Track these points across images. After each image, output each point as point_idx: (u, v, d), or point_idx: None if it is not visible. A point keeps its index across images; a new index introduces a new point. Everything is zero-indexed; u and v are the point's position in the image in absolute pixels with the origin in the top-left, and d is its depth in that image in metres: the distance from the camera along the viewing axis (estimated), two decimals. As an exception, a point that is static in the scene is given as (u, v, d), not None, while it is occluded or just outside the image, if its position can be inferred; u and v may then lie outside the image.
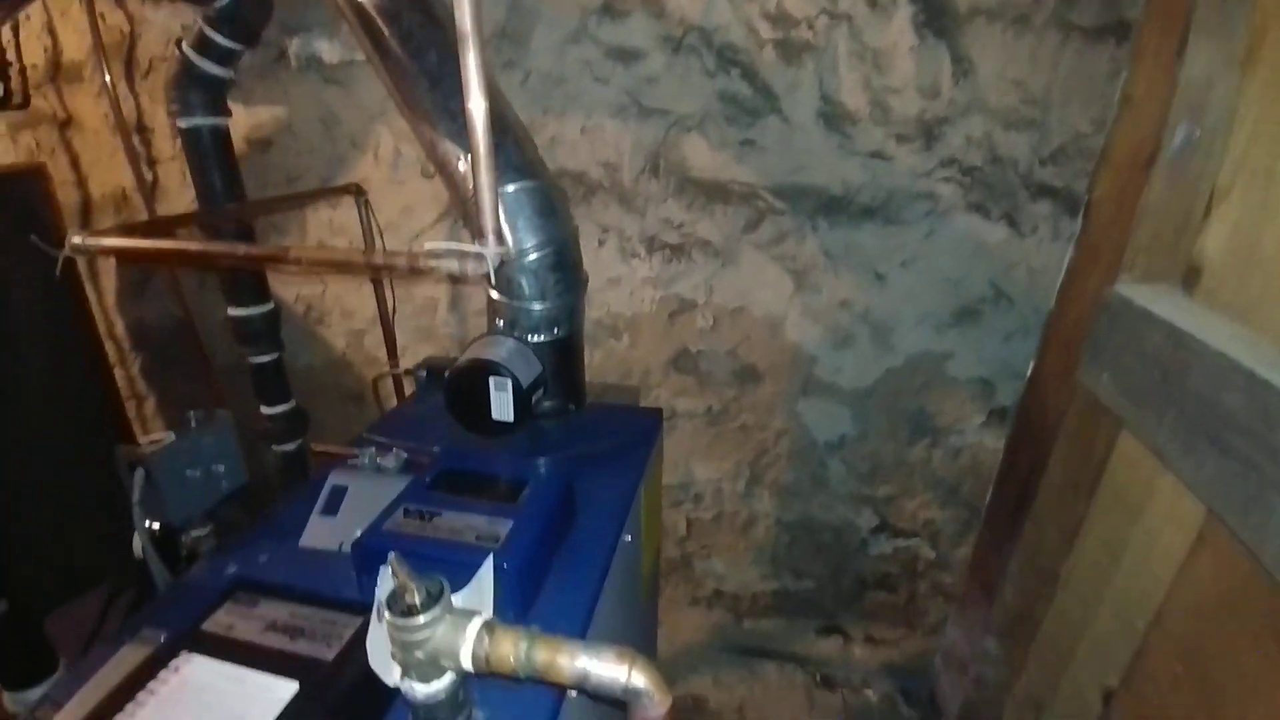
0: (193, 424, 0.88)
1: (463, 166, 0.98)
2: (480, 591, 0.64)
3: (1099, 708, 0.62)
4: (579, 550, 0.82)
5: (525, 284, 1.03)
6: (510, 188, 0.98)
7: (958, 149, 1.61)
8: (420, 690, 0.50)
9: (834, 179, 1.69)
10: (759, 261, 1.81)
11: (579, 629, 0.71)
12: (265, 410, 1.42)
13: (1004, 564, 0.75)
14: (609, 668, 0.46)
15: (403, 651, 0.47)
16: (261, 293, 1.30)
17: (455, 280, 1.96)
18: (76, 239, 0.86)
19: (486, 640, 0.47)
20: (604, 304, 1.95)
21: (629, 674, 0.46)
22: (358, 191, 1.60)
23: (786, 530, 2.19)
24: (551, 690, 0.62)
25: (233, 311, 1.29)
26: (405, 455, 1.00)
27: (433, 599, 0.47)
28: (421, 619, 0.46)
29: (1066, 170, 1.60)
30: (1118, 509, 0.61)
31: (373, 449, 1.00)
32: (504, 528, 0.73)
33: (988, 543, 0.77)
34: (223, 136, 1.40)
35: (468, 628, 0.48)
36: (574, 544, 0.83)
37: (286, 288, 2.16)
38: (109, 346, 2.56)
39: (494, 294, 1.08)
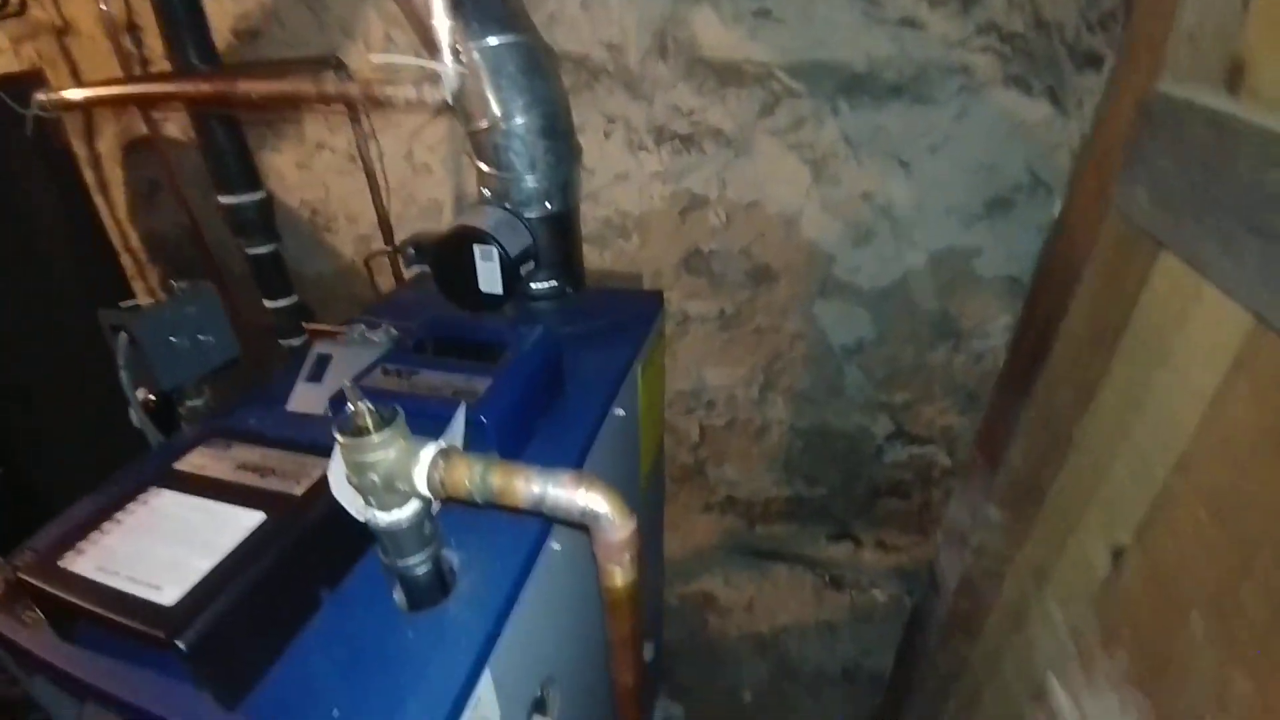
0: (176, 293, 0.87)
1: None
2: (452, 441, 0.62)
3: (1107, 569, 0.59)
4: (566, 418, 0.80)
5: (513, 153, 0.97)
6: (491, 41, 0.91)
7: (998, 12, 1.45)
8: (382, 519, 0.49)
9: (857, 53, 1.55)
10: (774, 151, 1.70)
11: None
12: (268, 304, 1.42)
13: (1011, 429, 0.70)
14: (565, 490, 0.44)
15: (357, 475, 0.46)
16: (251, 179, 1.27)
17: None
18: (41, 95, 0.83)
19: (442, 464, 0.46)
20: (611, 202, 1.87)
21: (585, 495, 0.44)
22: (337, 64, 1.53)
23: (800, 437, 2.18)
24: (530, 537, 0.61)
25: (223, 200, 1.26)
26: (395, 331, 0.97)
27: (385, 421, 0.45)
28: (374, 438, 0.44)
29: (1117, 35, 1.43)
30: (1144, 352, 0.55)
31: (362, 325, 0.98)
32: (483, 384, 0.70)
33: (996, 409, 0.72)
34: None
35: (422, 451, 0.46)
36: (561, 412, 0.81)
37: (289, 193, 2.12)
38: (126, 260, 2.58)
39: (481, 165, 1.02)
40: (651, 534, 1.35)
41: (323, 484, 0.54)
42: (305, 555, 0.52)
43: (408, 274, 1.77)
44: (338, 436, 0.45)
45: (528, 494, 0.44)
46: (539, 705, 0.69)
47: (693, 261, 1.92)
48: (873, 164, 1.67)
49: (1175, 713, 0.47)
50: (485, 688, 0.52)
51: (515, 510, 0.46)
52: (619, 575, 0.47)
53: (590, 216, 1.90)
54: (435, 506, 0.54)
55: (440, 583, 0.54)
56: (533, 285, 1.08)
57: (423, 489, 0.46)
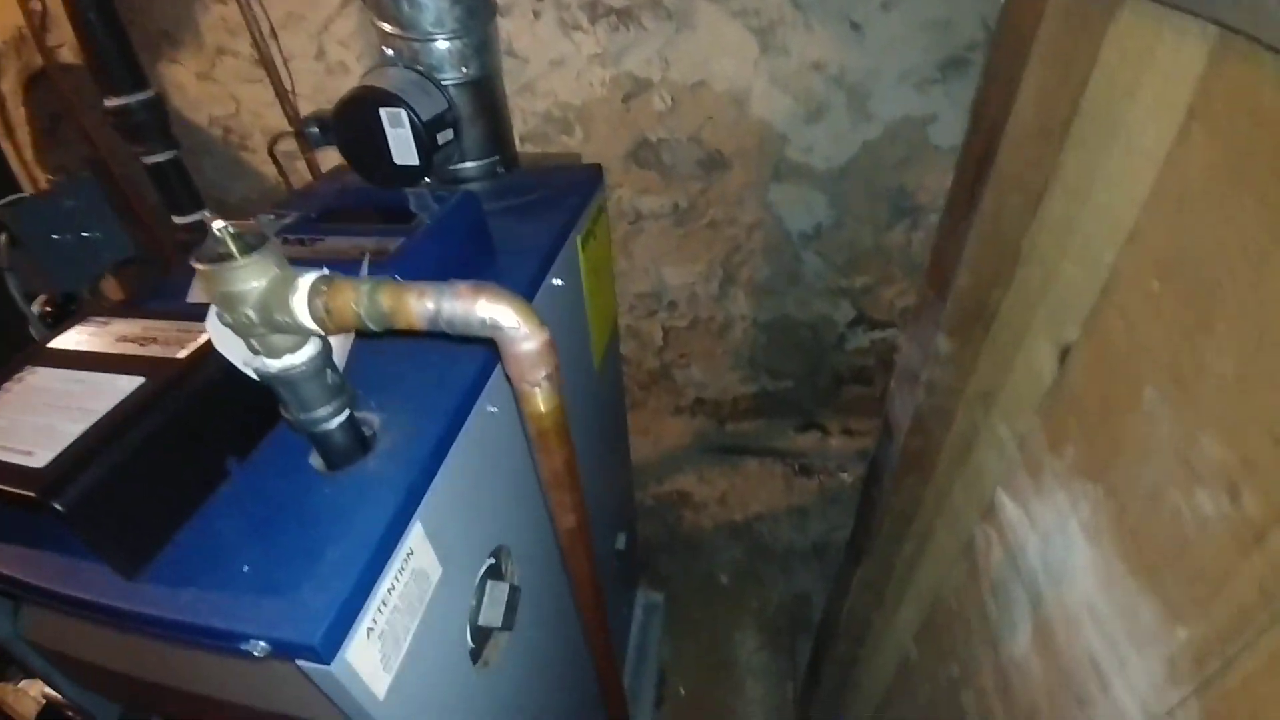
0: (54, 186, 0.78)
1: None
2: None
3: (1054, 372, 0.57)
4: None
5: (417, 6, 0.86)
6: None
7: None
8: (273, 365, 0.44)
9: (801, -103, 1.42)
10: (717, 20, 1.58)
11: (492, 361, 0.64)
12: (177, 221, 1.31)
13: (959, 253, 0.66)
14: (462, 301, 0.39)
15: (229, 311, 0.41)
16: (136, 77, 1.13)
17: None
18: None
19: (324, 289, 0.41)
20: (549, 93, 1.74)
21: (485, 305, 0.39)
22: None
23: (763, 331, 2.17)
24: (457, 394, 0.57)
25: (110, 103, 1.13)
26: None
27: (250, 247, 0.40)
28: (239, 262, 0.39)
29: None
30: (1094, 135, 0.51)
31: (271, 216, 0.90)
32: (395, 244, 0.64)
33: (944, 236, 0.68)
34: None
35: (300, 279, 0.41)
36: (490, 279, 0.76)
37: (195, 109, 1.93)
38: (29, 198, 2.36)
39: (384, 25, 0.91)
40: (616, 432, 1.33)
41: (208, 346, 0.48)
42: (197, 419, 0.47)
43: (321, 159, 1.64)
44: (198, 265, 0.39)
45: (422, 310, 0.39)
46: (493, 571, 0.68)
47: (641, 153, 1.82)
48: (823, 28, 1.57)
49: (1132, 494, 0.46)
50: (417, 539, 0.49)
51: (413, 333, 0.41)
52: (539, 399, 0.43)
53: (528, 111, 1.77)
54: (339, 355, 0.50)
55: (359, 441, 0.50)
56: (459, 166, 1.00)
57: (306, 320, 0.41)
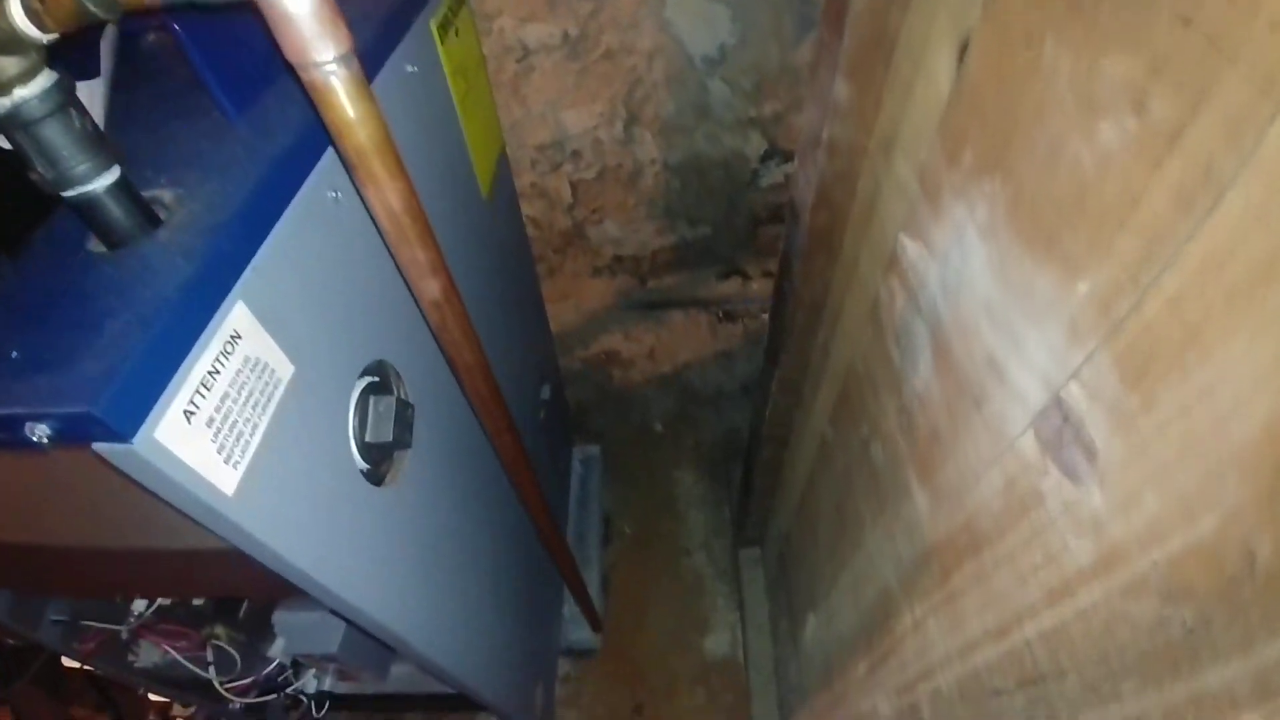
0: None
1: None
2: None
3: (952, 77, 0.51)
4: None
5: None
6: None
7: None
8: (3, 104, 0.33)
9: None
10: None
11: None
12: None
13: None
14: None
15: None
16: None
17: None
18: None
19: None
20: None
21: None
22: None
23: (675, 175, 2.07)
24: (272, 167, 0.47)
25: None
26: None
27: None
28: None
29: None
30: None
31: None
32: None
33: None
34: None
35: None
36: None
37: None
38: None
39: None
40: (521, 275, 1.25)
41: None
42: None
43: None
44: None
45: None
46: (379, 387, 0.61)
47: (517, -32, 1.59)
48: None
49: (1030, 164, 0.42)
50: (243, 322, 0.41)
51: (150, 12, 0.31)
52: (340, 95, 0.34)
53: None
54: (92, 105, 0.39)
55: (144, 214, 0.41)
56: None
57: (21, 21, 0.30)
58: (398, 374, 0.66)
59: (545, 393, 1.37)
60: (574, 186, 2.08)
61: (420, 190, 0.46)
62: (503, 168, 1.09)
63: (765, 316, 2.28)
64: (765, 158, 2.05)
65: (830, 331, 0.89)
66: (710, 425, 2.01)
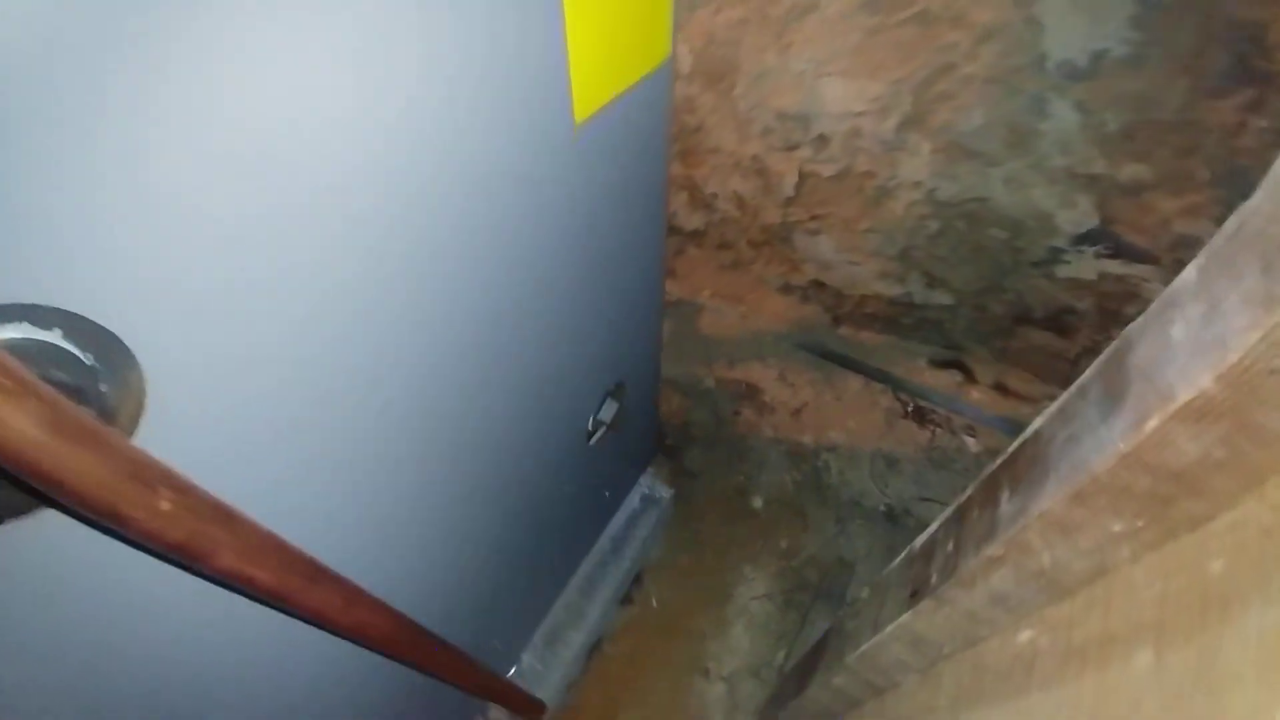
0: None
1: None
2: None
3: None
4: None
5: None
6: None
7: None
8: None
9: None
10: None
11: None
12: None
13: None
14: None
15: None
16: None
17: None
18: None
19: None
20: None
21: None
22: None
23: (938, 212, 1.51)
24: None
25: None
26: None
27: None
28: None
29: None
30: None
31: None
32: None
33: None
34: None
35: None
36: None
37: None
38: None
39: None
40: (620, 243, 0.87)
41: None
42: None
43: None
44: None
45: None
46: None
47: None
48: None
49: None
50: None
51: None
52: None
53: None
54: None
55: None
56: None
57: None
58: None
59: (607, 411, 1.01)
60: (802, 179, 1.63)
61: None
62: (647, 91, 0.71)
63: (968, 439, 1.65)
64: (1083, 239, 1.40)
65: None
66: (821, 535, 1.51)
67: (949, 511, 0.54)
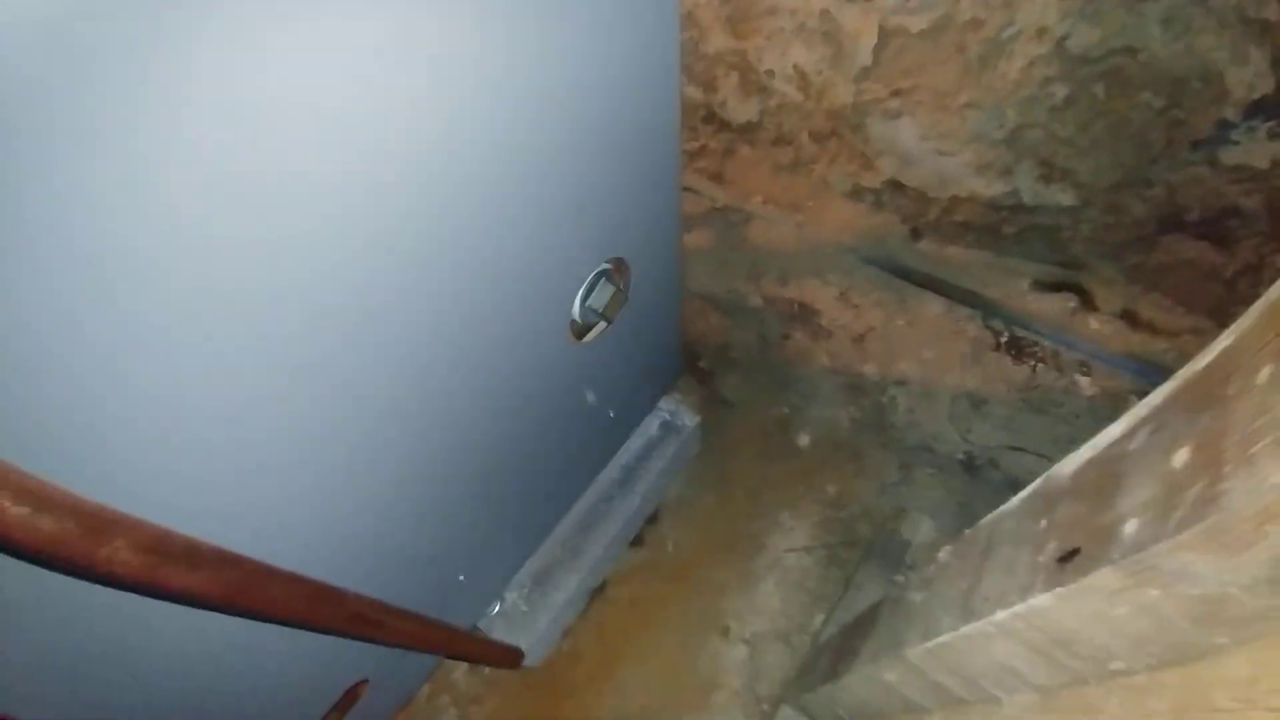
0: None
1: None
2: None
3: None
4: None
5: None
6: None
7: None
8: None
9: None
10: None
11: None
12: None
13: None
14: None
15: None
16: None
17: None
18: None
19: None
20: None
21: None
22: None
23: (1070, 72, 1.14)
24: None
25: None
26: None
27: None
28: None
29: None
30: None
31: None
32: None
33: None
34: None
35: None
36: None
37: None
38: None
39: None
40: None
41: None
42: None
43: None
44: None
45: None
46: None
47: None
48: None
49: None
50: None
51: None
52: None
53: None
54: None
55: None
56: None
57: None
58: None
59: (599, 298, 0.77)
60: (883, 39, 1.28)
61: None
62: None
63: (1080, 379, 1.32)
64: (1257, 109, 1.01)
65: None
66: (878, 482, 1.25)
67: (1175, 384, 0.27)
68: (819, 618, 1.11)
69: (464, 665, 1.13)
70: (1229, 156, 1.11)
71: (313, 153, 0.42)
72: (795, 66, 1.43)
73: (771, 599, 1.14)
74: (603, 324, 0.82)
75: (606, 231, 0.75)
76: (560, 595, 1.07)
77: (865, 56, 1.32)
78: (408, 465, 0.70)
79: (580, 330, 0.81)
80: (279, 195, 0.41)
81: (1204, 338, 0.51)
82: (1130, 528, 0.25)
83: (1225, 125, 1.07)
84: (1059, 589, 0.28)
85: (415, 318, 0.58)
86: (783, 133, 1.58)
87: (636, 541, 1.22)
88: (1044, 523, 0.32)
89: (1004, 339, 1.40)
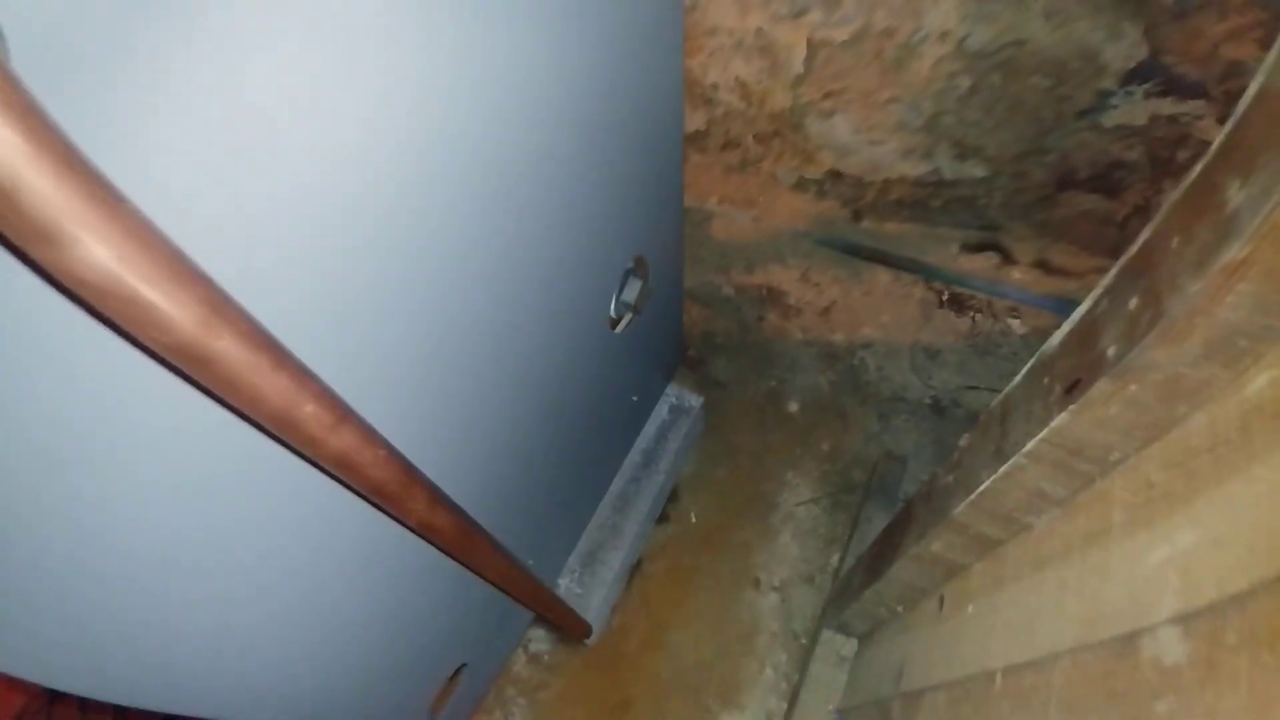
0: None
1: None
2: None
3: None
4: None
5: None
6: None
7: None
8: None
9: None
10: None
11: None
12: None
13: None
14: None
15: None
16: None
17: None
18: None
19: None
20: None
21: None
22: None
23: (970, 66, 1.36)
24: None
25: None
26: None
27: None
28: None
29: None
30: None
31: None
32: None
33: None
34: None
35: None
36: None
37: None
38: None
39: None
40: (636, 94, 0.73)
41: None
42: None
43: None
44: None
45: None
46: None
47: None
48: None
49: None
50: None
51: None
52: None
53: None
54: None
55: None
56: None
57: None
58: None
59: (630, 292, 0.89)
60: (812, 50, 1.47)
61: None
62: None
63: (1012, 322, 1.54)
64: (1133, 76, 1.25)
65: None
66: (863, 434, 1.41)
67: (1118, 267, 0.42)
68: (835, 557, 1.26)
69: (523, 658, 1.21)
70: (1110, 119, 1.34)
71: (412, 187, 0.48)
72: (737, 78, 1.60)
73: (790, 548, 1.28)
74: (630, 315, 0.94)
75: (633, 230, 0.87)
76: (608, 573, 1.17)
77: (798, 66, 1.51)
78: (494, 460, 0.79)
79: (613, 323, 0.92)
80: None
81: (1105, 273, 0.68)
82: (1112, 351, 0.39)
83: (1105, 94, 1.31)
84: (1071, 408, 0.42)
85: (490, 320, 0.67)
86: (730, 137, 1.75)
87: (662, 519, 1.33)
88: (1046, 379, 0.47)
89: (945, 297, 1.60)
